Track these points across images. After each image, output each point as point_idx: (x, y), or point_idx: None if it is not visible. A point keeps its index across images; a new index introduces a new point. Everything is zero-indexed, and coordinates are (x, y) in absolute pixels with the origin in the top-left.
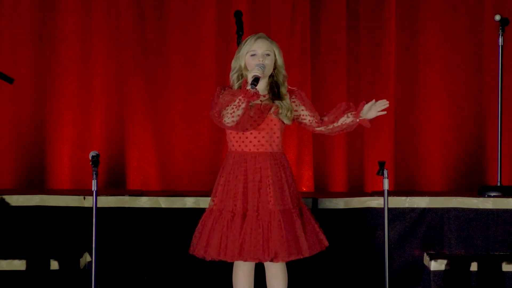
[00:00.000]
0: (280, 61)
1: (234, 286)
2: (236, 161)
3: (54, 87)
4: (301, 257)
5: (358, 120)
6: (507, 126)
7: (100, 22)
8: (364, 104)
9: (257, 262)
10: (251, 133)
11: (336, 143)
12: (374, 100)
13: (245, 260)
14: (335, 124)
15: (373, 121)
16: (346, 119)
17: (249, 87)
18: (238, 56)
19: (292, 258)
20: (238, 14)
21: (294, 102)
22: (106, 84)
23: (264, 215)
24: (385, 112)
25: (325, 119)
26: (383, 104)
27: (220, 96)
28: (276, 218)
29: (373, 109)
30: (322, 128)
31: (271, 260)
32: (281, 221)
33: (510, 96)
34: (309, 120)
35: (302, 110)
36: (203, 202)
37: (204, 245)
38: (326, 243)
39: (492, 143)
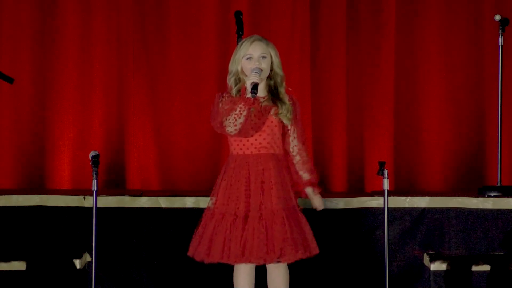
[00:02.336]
0: (276, 62)
1: (235, 287)
2: (238, 164)
3: (54, 87)
4: (310, 255)
5: (305, 187)
6: (507, 126)
7: (100, 22)
8: (318, 193)
9: (262, 263)
10: (252, 136)
11: (336, 143)
12: (319, 205)
13: (249, 262)
14: (297, 165)
15: (373, 120)
16: (304, 176)
17: (249, 95)
18: (234, 60)
19: (299, 256)
20: (238, 14)
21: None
22: (106, 84)
23: (267, 215)
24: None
25: (300, 154)
26: (319, 207)
27: (220, 103)
28: (279, 216)
29: (315, 201)
30: (290, 150)
31: (278, 260)
32: (284, 218)
33: (510, 96)
34: (289, 133)
35: (290, 125)
36: (203, 202)
37: (206, 248)
38: (317, 250)
39: (492, 143)
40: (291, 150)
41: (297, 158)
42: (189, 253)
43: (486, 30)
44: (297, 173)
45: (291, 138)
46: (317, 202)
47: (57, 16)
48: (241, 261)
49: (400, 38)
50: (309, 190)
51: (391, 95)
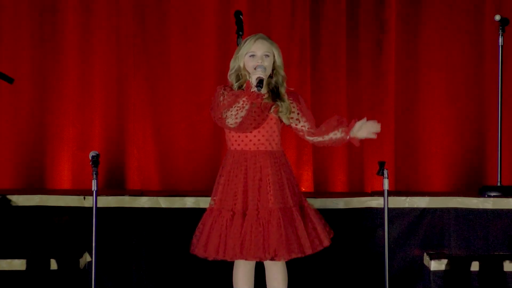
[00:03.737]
0: (279, 62)
1: (234, 286)
2: (236, 160)
3: (54, 87)
4: (303, 255)
5: (348, 137)
6: (507, 126)
7: (100, 22)
8: (355, 122)
9: (257, 261)
10: (250, 132)
11: None
12: (365, 118)
13: (246, 259)
14: (325, 137)
15: (373, 120)
16: (336, 134)
17: (254, 89)
18: (237, 56)
19: (293, 256)
20: (238, 14)
21: (291, 103)
22: (106, 84)
23: (264, 214)
24: (375, 136)
25: (317, 130)
26: (375, 126)
27: (221, 96)
28: (275, 216)
29: (364, 129)
30: (311, 138)
31: (272, 259)
32: (280, 219)
33: (510, 96)
34: (302, 126)
35: (297, 114)
36: (203, 202)
37: (204, 244)
38: (326, 243)
39: (492, 143)
40: (309, 129)
41: (319, 136)
42: (191, 250)
43: (486, 30)
44: (330, 139)
45: (305, 127)
46: (370, 123)
47: (57, 16)
48: (238, 258)
49: (401, 38)
50: (356, 125)
51: (391, 95)
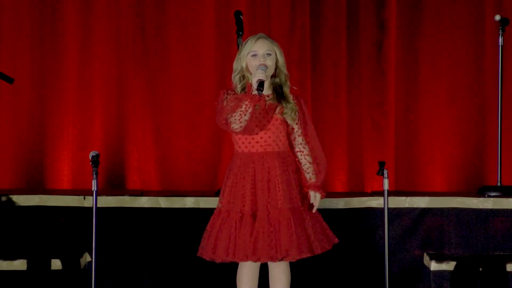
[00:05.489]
0: (281, 60)
1: (238, 285)
2: (243, 162)
3: (54, 87)
4: (312, 254)
5: (311, 182)
6: (507, 126)
7: (100, 22)
8: (321, 196)
9: (269, 261)
10: (256, 134)
11: (336, 143)
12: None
13: (259, 260)
14: (303, 166)
15: (373, 120)
16: (308, 174)
17: (255, 92)
18: (239, 57)
19: (304, 256)
20: (238, 14)
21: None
22: (106, 84)
23: (274, 214)
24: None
25: (302, 153)
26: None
27: (225, 101)
28: (285, 216)
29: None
30: (300, 147)
31: (282, 259)
32: (290, 219)
33: (510, 96)
34: (294, 132)
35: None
36: (203, 202)
37: (212, 247)
38: (336, 239)
39: (492, 143)
40: (296, 150)
41: (302, 160)
42: (199, 253)
43: (487, 30)
44: (302, 172)
45: (298, 140)
46: (312, 206)
47: (57, 16)
48: (250, 259)
49: (401, 38)
50: (311, 193)
51: (391, 95)
